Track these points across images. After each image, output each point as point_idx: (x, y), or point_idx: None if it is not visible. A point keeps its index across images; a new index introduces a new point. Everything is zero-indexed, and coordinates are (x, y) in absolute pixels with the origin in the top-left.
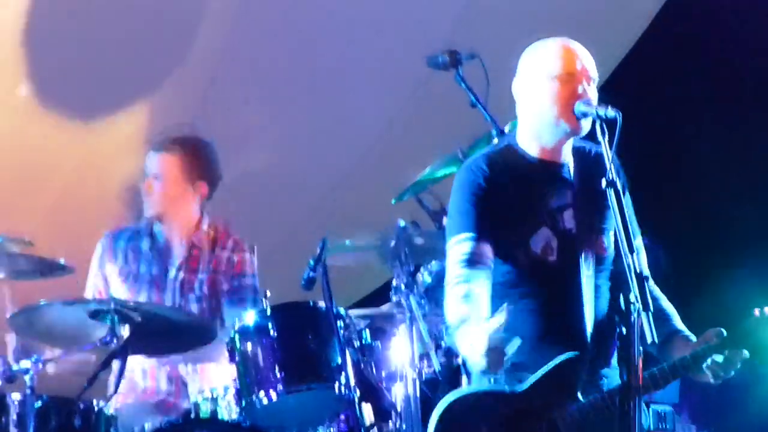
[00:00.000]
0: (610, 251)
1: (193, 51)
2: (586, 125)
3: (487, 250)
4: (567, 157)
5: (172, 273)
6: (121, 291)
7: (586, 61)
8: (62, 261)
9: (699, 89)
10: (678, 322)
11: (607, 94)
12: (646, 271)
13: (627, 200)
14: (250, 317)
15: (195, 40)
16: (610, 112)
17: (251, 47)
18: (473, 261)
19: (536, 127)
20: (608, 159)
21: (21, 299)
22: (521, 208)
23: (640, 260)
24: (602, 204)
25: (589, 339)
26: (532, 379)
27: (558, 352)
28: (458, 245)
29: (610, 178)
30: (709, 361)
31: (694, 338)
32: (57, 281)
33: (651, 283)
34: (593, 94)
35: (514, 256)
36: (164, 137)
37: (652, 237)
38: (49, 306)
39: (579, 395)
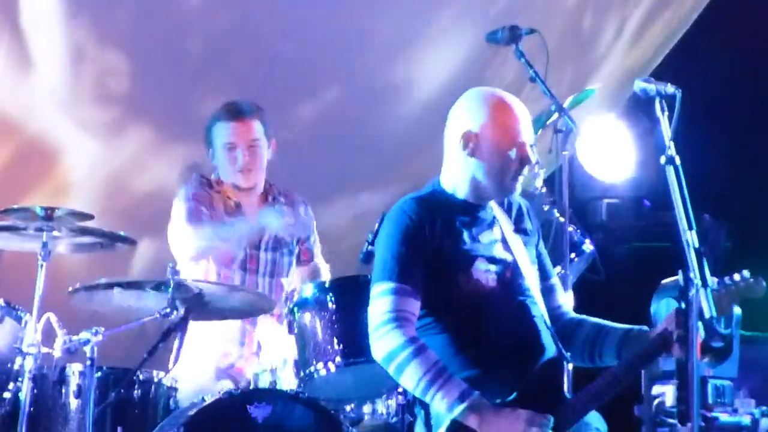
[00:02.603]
0: (538, 284)
1: None
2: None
3: (412, 305)
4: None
5: (263, 255)
6: (212, 274)
7: (526, 115)
8: (123, 233)
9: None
10: (619, 325)
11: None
12: (567, 307)
13: (542, 246)
14: (308, 290)
15: None
16: (670, 89)
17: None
18: (402, 318)
19: (477, 177)
20: (667, 136)
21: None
22: (455, 244)
23: (558, 296)
24: (525, 241)
25: (547, 349)
26: (518, 389)
27: (521, 364)
28: (382, 297)
29: (670, 155)
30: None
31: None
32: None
33: (572, 313)
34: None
35: (458, 287)
36: (235, 106)
37: (714, 213)
38: (108, 287)
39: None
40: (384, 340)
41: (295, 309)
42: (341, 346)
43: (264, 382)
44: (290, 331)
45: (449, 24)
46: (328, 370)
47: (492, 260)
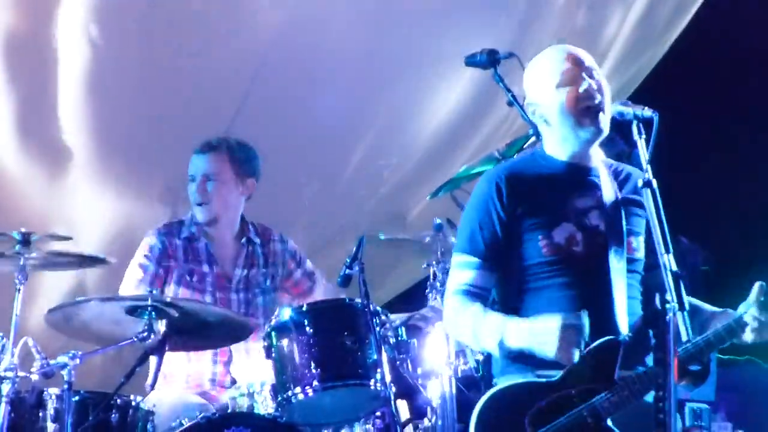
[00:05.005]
0: (640, 254)
1: None
2: (605, 125)
3: (488, 279)
4: (595, 162)
5: (237, 272)
6: (181, 291)
7: (582, 58)
8: (103, 256)
9: (740, 84)
10: (712, 307)
11: (646, 92)
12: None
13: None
14: (286, 313)
15: None
16: (647, 113)
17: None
18: (471, 294)
19: (559, 135)
20: (645, 159)
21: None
22: (543, 206)
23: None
24: (630, 211)
25: (619, 328)
26: (569, 366)
27: (591, 340)
28: (460, 269)
29: (647, 178)
30: (753, 318)
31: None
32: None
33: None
34: (600, 83)
35: (539, 249)
36: (208, 139)
37: (691, 236)
38: (86, 303)
39: (616, 380)
40: (446, 310)
41: (273, 333)
42: (319, 370)
43: (241, 406)
44: (268, 355)
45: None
46: (306, 394)
47: (580, 226)
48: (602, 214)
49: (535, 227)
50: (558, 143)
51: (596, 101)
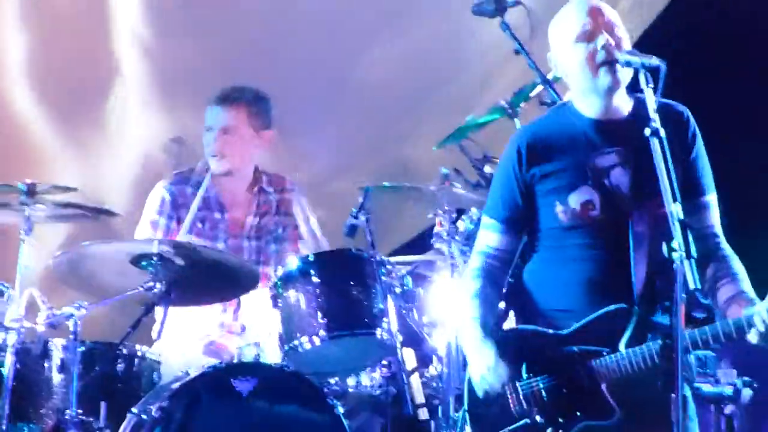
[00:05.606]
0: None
1: None
2: (624, 76)
3: (510, 242)
4: (625, 112)
5: (250, 219)
6: (193, 239)
7: (603, 12)
8: (105, 207)
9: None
10: (745, 285)
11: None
12: (719, 229)
13: (700, 151)
14: (292, 263)
15: None
16: (654, 61)
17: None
18: (495, 257)
19: (580, 90)
20: (652, 109)
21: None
22: (561, 169)
23: (710, 216)
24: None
25: (636, 296)
26: (577, 324)
27: (604, 303)
28: (486, 230)
29: (654, 127)
30: (762, 321)
31: (758, 301)
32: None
33: (723, 242)
34: (620, 39)
35: (554, 215)
36: (226, 90)
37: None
38: (90, 248)
39: (621, 347)
40: (468, 267)
41: (279, 283)
42: (325, 319)
43: (248, 356)
44: (274, 305)
45: None
46: (312, 343)
47: (599, 188)
48: (627, 170)
49: (552, 192)
50: (581, 98)
51: (614, 57)
